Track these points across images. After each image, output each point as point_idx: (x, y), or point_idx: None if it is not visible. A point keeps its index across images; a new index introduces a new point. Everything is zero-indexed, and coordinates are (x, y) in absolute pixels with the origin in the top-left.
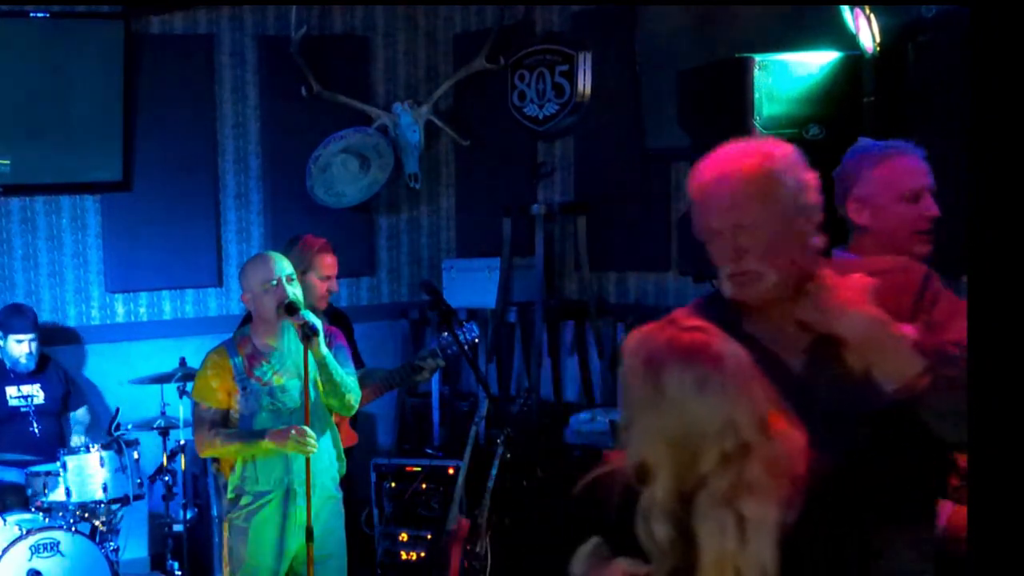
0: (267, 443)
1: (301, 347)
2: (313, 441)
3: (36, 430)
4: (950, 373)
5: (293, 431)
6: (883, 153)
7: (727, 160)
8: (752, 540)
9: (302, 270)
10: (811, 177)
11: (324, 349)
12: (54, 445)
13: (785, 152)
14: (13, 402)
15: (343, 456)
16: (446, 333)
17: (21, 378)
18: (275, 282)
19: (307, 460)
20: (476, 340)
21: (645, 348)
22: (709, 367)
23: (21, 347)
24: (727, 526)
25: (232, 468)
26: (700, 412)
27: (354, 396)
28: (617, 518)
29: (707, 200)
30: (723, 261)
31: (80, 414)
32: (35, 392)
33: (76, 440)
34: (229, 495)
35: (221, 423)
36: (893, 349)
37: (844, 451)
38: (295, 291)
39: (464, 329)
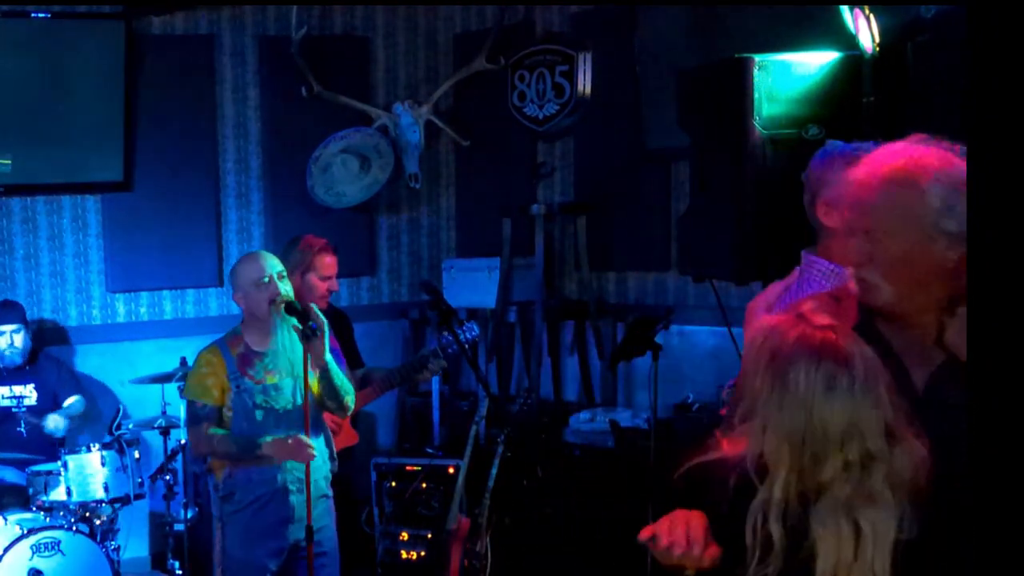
0: (264, 453)
1: (294, 346)
2: (312, 450)
3: (24, 431)
4: None
5: (291, 442)
6: (852, 155)
7: (884, 161)
8: (867, 552)
9: (303, 270)
10: (963, 192)
11: (328, 355)
12: (44, 445)
13: (946, 170)
14: (4, 403)
15: (335, 455)
16: (446, 333)
17: (13, 378)
18: (267, 279)
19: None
20: (476, 339)
21: (772, 341)
22: (839, 368)
23: (3, 339)
24: (845, 535)
25: (223, 465)
26: (826, 414)
27: (350, 398)
28: (729, 509)
29: (851, 195)
30: (847, 261)
31: (73, 402)
32: (27, 393)
33: (52, 421)
34: (221, 493)
35: (217, 421)
36: None
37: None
38: (286, 288)
39: (464, 328)
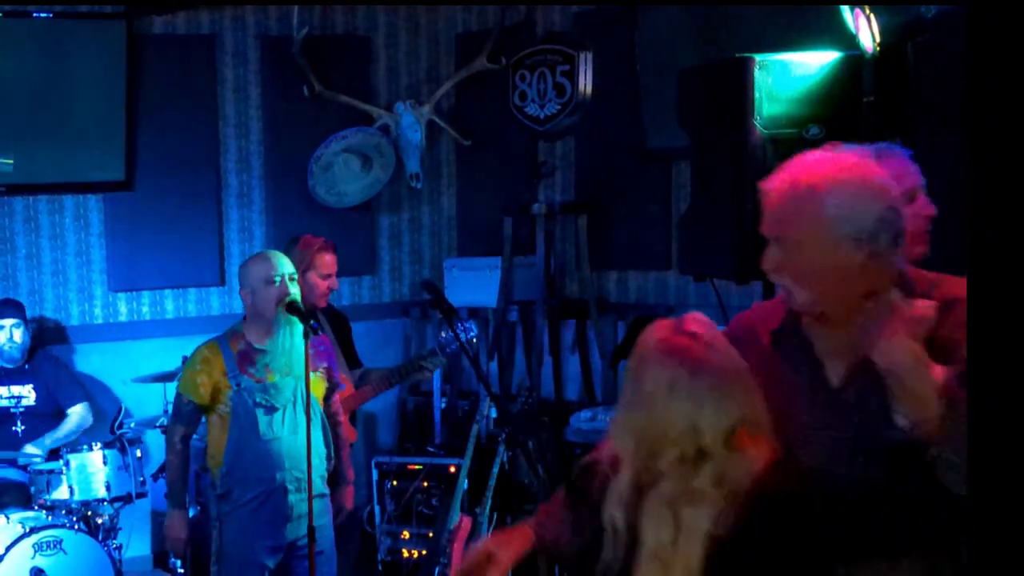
0: (169, 511)
1: (295, 346)
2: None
3: (20, 431)
4: (962, 426)
5: (174, 536)
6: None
7: (790, 171)
8: (683, 544)
9: (302, 269)
10: (883, 204)
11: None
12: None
13: (842, 177)
14: (2, 403)
15: (333, 455)
16: (445, 332)
17: (12, 377)
18: (278, 279)
19: (308, 456)
20: (474, 338)
21: (641, 343)
22: (683, 371)
23: (3, 334)
24: (665, 525)
25: (220, 462)
26: (666, 412)
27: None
28: (595, 502)
29: (766, 202)
30: (765, 266)
31: (79, 410)
32: (26, 393)
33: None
34: (219, 490)
35: (197, 419)
36: (914, 387)
37: (856, 477)
38: (296, 291)
39: (464, 327)
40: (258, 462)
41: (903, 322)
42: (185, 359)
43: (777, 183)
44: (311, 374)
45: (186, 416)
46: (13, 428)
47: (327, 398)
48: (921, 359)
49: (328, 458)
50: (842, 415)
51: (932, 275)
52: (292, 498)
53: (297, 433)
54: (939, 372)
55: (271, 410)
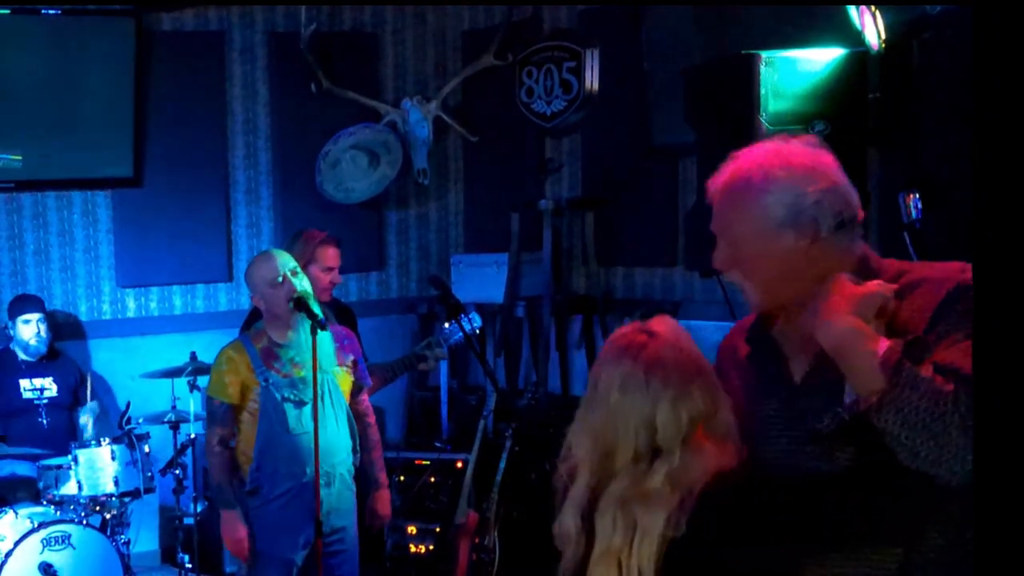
0: (222, 512)
1: (318, 339)
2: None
3: (45, 423)
4: (902, 394)
5: (233, 539)
6: None
7: (729, 167)
8: (636, 544)
9: (304, 262)
10: (820, 186)
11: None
12: (63, 438)
13: (778, 166)
14: (27, 395)
15: (359, 448)
16: (446, 324)
17: (34, 370)
18: (280, 279)
19: (316, 450)
20: (478, 329)
21: (604, 346)
22: (637, 368)
23: (29, 328)
24: (619, 526)
25: (252, 460)
26: (620, 409)
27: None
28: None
29: (712, 201)
30: (716, 265)
31: (91, 405)
32: (48, 385)
33: (85, 419)
34: (248, 487)
35: (231, 422)
36: (858, 362)
37: (818, 469)
38: (302, 283)
39: (468, 318)
40: (288, 457)
41: (843, 299)
42: (193, 354)
43: (718, 180)
44: (338, 368)
45: (220, 418)
46: (39, 419)
47: (355, 394)
48: (861, 333)
49: (354, 451)
50: (802, 408)
51: (902, 264)
52: (322, 493)
53: (326, 427)
54: (883, 345)
55: (299, 404)
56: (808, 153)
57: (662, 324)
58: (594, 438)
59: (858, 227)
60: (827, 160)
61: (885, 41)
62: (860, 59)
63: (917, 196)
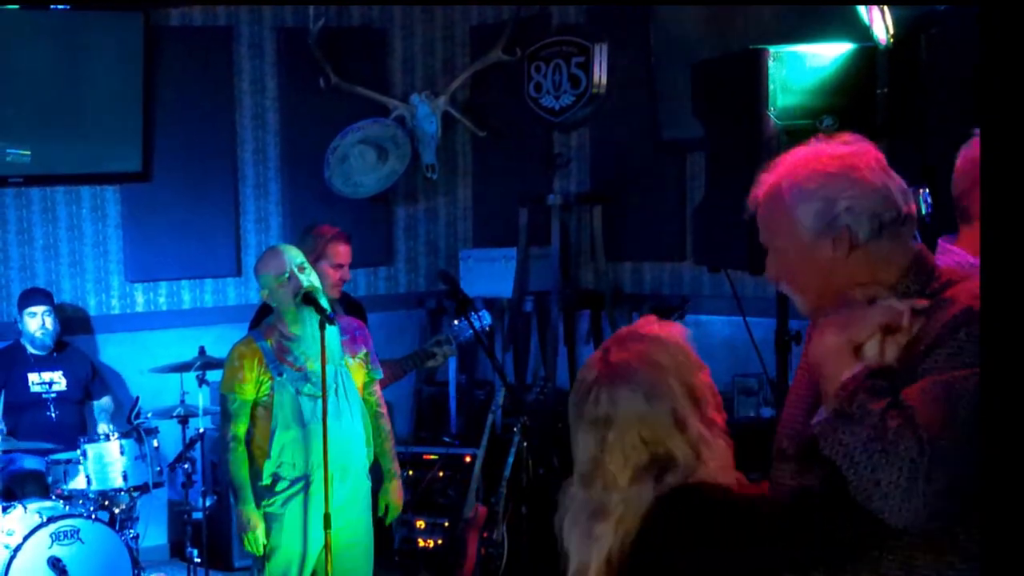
0: (238, 510)
1: (326, 333)
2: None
3: (54, 416)
4: (845, 425)
5: (248, 531)
6: None
7: (769, 174)
8: (591, 558)
9: (314, 257)
10: (846, 193)
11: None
12: (72, 433)
13: (800, 173)
14: (35, 388)
15: (371, 442)
16: (457, 321)
17: (43, 364)
18: (287, 274)
19: (324, 442)
20: (488, 327)
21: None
22: (599, 380)
23: (35, 320)
24: (578, 540)
25: (268, 454)
26: (575, 421)
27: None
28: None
29: (754, 211)
30: (767, 277)
31: (104, 402)
32: (57, 379)
33: (102, 428)
34: (264, 481)
35: (245, 416)
36: (825, 385)
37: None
38: (309, 279)
39: (479, 315)
40: (303, 450)
41: (840, 319)
42: (202, 349)
43: (757, 193)
44: (350, 360)
45: (234, 414)
46: (47, 414)
47: (367, 386)
48: (836, 355)
49: (367, 443)
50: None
51: (959, 272)
52: (338, 486)
53: (340, 420)
54: (850, 371)
55: (314, 398)
56: (841, 156)
57: (637, 339)
58: (577, 454)
59: (907, 225)
60: (863, 160)
61: (893, 36)
62: (868, 54)
63: (927, 191)
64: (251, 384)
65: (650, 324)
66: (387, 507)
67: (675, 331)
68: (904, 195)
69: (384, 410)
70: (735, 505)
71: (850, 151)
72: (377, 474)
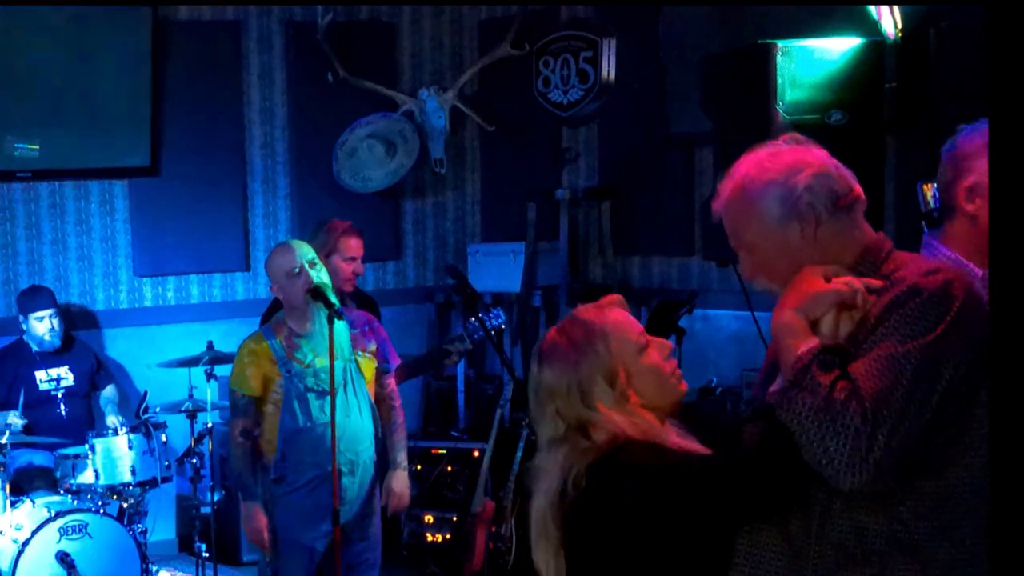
0: (244, 503)
1: (336, 329)
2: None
3: (64, 413)
4: (797, 395)
5: (252, 527)
6: None
7: (725, 182)
8: (532, 519)
9: (326, 252)
10: (808, 172)
11: None
12: (82, 427)
13: (759, 165)
14: (43, 387)
15: (380, 436)
16: (473, 318)
17: (49, 361)
18: (298, 269)
19: (332, 439)
20: (502, 326)
21: None
22: (555, 345)
23: (43, 324)
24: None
25: (276, 449)
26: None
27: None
28: None
29: (719, 220)
30: (744, 277)
31: (109, 392)
32: (64, 374)
33: (111, 421)
34: (272, 476)
35: (253, 414)
36: (783, 356)
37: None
38: (319, 275)
39: (491, 315)
40: (311, 446)
41: (795, 292)
42: (210, 344)
43: (718, 201)
44: (360, 355)
45: (242, 410)
46: (58, 410)
47: (379, 378)
48: (792, 329)
49: (376, 438)
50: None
51: (911, 257)
52: (345, 481)
53: (349, 416)
54: (805, 344)
55: (322, 394)
56: (793, 149)
57: (568, 322)
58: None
59: (859, 206)
60: (814, 151)
61: (902, 30)
62: (877, 48)
63: (935, 186)
64: (259, 380)
65: (585, 310)
66: (391, 498)
67: (608, 316)
68: (854, 179)
69: (398, 403)
70: (664, 460)
71: (798, 148)
72: (384, 466)
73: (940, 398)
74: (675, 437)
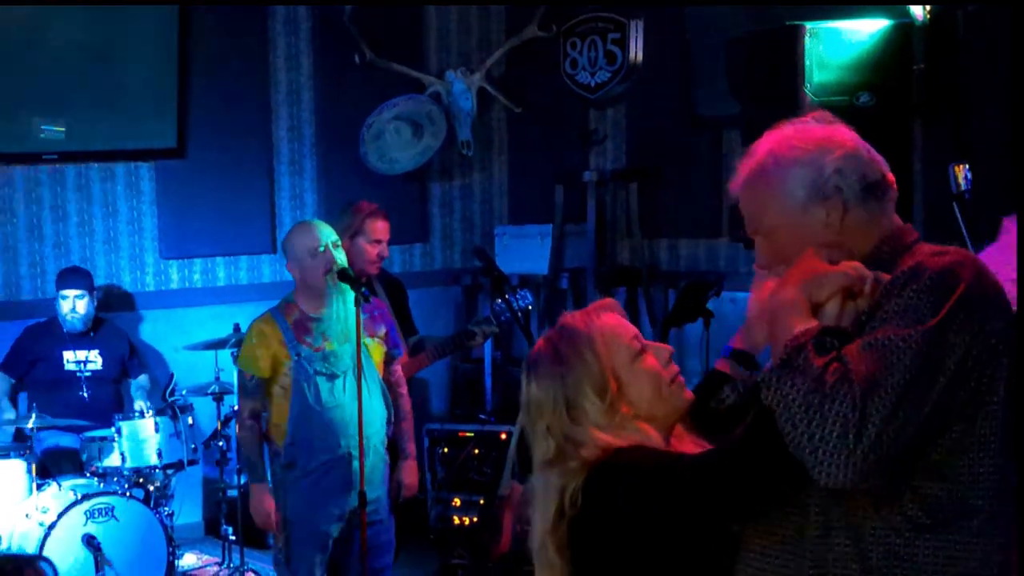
0: (251, 485)
1: (348, 314)
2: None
3: (86, 395)
4: (787, 377)
5: (261, 510)
6: None
7: (743, 162)
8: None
9: (351, 234)
10: (837, 153)
11: None
12: (105, 411)
13: (782, 144)
14: (69, 367)
15: (392, 420)
16: (499, 300)
17: (78, 342)
18: (322, 248)
19: (360, 424)
20: (529, 307)
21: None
22: (546, 352)
23: (67, 303)
24: (538, 512)
25: (284, 432)
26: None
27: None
28: None
29: (735, 203)
30: (761, 265)
31: (142, 380)
32: (93, 358)
33: (139, 404)
34: (283, 461)
35: (262, 395)
36: (778, 335)
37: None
38: (341, 257)
39: (518, 296)
40: (322, 430)
41: (798, 272)
42: (237, 326)
43: (736, 182)
44: (369, 340)
45: (251, 391)
46: (80, 393)
47: (387, 364)
48: (791, 308)
49: (388, 422)
50: None
51: (934, 248)
52: (356, 465)
53: (361, 399)
54: (803, 325)
55: (332, 377)
56: (820, 128)
57: (555, 331)
58: None
59: (890, 195)
60: (842, 130)
61: (930, 12)
62: (905, 30)
63: (967, 167)
64: (268, 362)
65: (572, 316)
66: (400, 487)
67: (596, 321)
68: (885, 165)
69: (404, 390)
70: (654, 463)
71: (826, 126)
72: (394, 454)
73: (942, 391)
74: (691, 446)
